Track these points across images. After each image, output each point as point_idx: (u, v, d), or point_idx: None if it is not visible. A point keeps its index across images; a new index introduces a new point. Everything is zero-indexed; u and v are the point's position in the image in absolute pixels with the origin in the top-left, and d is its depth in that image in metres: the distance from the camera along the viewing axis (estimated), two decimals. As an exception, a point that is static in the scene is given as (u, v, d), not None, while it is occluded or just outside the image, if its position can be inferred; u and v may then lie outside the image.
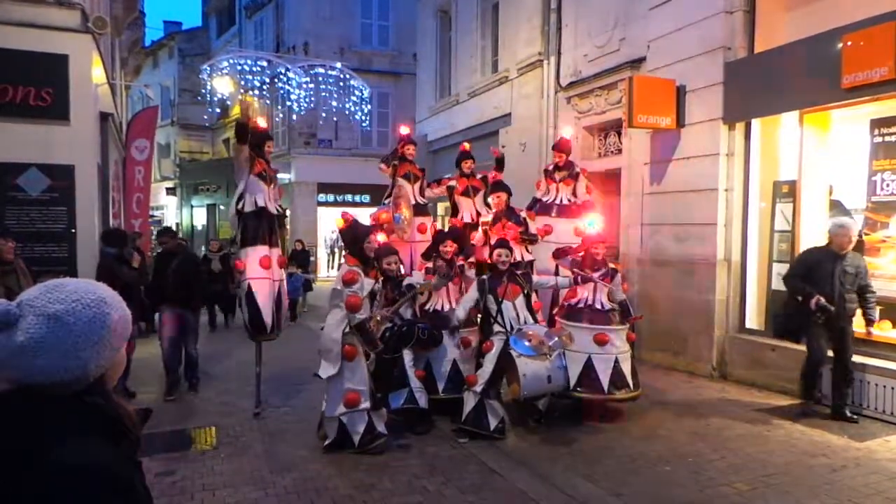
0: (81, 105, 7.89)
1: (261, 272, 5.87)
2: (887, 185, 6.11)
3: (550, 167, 7.01)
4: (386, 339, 5.13)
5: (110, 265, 6.37)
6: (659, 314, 8.10)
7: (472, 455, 4.92)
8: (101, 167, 9.13)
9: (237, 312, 10.64)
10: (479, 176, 7.05)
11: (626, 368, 5.71)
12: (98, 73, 8.64)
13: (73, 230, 7.83)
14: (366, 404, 4.90)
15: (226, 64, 16.64)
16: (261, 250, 5.91)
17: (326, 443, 4.99)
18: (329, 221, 20.19)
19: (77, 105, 7.83)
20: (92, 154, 8.22)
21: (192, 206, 28.27)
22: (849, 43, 5.89)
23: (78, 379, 1.17)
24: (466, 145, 7.50)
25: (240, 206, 5.92)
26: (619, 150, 9.29)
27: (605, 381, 5.54)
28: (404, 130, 7.04)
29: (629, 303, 5.97)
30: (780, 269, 7.09)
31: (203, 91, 17.05)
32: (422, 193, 6.85)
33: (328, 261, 21.82)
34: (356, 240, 5.04)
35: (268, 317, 5.92)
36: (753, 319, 7.38)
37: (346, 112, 16.19)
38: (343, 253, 5.08)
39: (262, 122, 6.54)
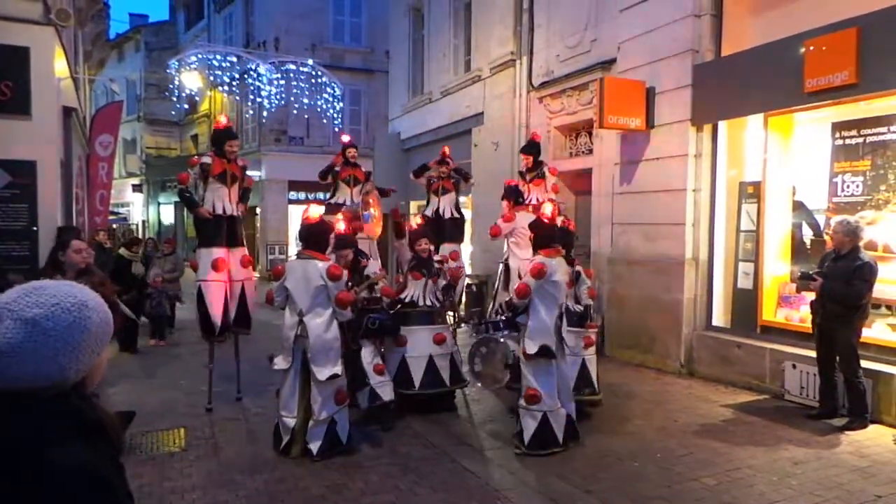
0: (43, 99, 7.64)
1: (213, 275, 5.95)
2: (847, 187, 6.30)
3: (523, 169, 7.46)
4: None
5: (54, 260, 6.27)
6: (628, 312, 8.23)
7: (445, 454, 4.94)
8: (65, 163, 8.88)
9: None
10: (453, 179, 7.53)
11: (593, 370, 5.89)
12: (61, 67, 8.39)
13: (35, 228, 7.60)
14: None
15: (195, 58, 16.38)
16: (216, 252, 5.97)
17: (317, 450, 4.73)
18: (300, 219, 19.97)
19: (39, 99, 7.58)
20: (55, 149, 7.98)
21: (158, 203, 27.73)
22: (811, 48, 6.06)
23: (56, 384, 1.15)
24: (447, 149, 7.81)
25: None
26: (591, 151, 9.40)
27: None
28: (345, 139, 7.73)
29: (592, 307, 6.07)
30: (746, 267, 7.27)
31: (171, 86, 16.75)
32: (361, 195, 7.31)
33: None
34: (325, 234, 5.03)
35: (216, 318, 5.99)
36: (720, 317, 7.54)
37: (318, 109, 16.06)
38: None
39: (222, 120, 6.56)
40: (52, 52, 7.81)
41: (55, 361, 1.14)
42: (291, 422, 4.83)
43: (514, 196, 7.27)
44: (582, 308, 5.85)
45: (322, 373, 4.71)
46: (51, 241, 7.47)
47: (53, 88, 7.88)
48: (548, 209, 5.14)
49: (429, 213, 7.36)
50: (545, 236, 4.99)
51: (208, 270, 5.95)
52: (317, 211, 5.13)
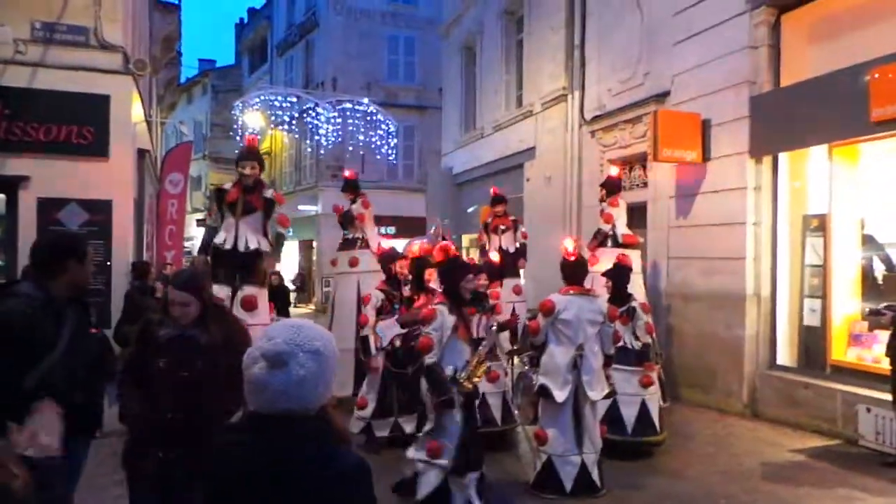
0: (120, 142, 8.20)
1: None
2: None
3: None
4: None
5: (131, 294, 6.82)
6: (687, 350, 7.97)
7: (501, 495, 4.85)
8: (137, 201, 9.43)
9: None
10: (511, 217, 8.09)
11: (654, 410, 5.69)
12: (137, 112, 8.99)
13: (109, 262, 8.06)
14: (444, 461, 4.15)
15: (258, 99, 17.20)
16: (216, 290, 5.04)
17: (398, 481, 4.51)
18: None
19: (116, 142, 8.14)
20: (129, 189, 8.51)
21: (221, 237, 28.80)
22: (877, 76, 5.87)
23: (322, 403, 1.47)
24: (496, 188, 8.41)
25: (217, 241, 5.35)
26: (645, 184, 9.28)
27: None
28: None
29: (653, 345, 5.92)
30: (812, 304, 6.96)
31: (235, 126, 17.60)
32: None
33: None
34: (454, 276, 4.46)
35: None
36: (786, 356, 7.21)
37: (373, 146, 16.51)
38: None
39: (246, 138, 6.13)
40: (130, 98, 8.40)
41: (329, 383, 1.47)
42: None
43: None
44: (640, 345, 5.71)
45: (598, 395, 4.70)
46: (124, 275, 7.92)
47: (129, 132, 8.44)
48: (569, 244, 5.05)
49: (493, 253, 7.49)
50: (566, 273, 4.91)
51: None
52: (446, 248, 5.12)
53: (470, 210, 14.22)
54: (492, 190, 8.30)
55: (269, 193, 5.49)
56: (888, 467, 5.30)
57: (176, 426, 2.78)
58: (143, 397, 2.87)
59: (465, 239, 15.22)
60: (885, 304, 5.35)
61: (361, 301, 6.47)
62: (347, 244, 7.66)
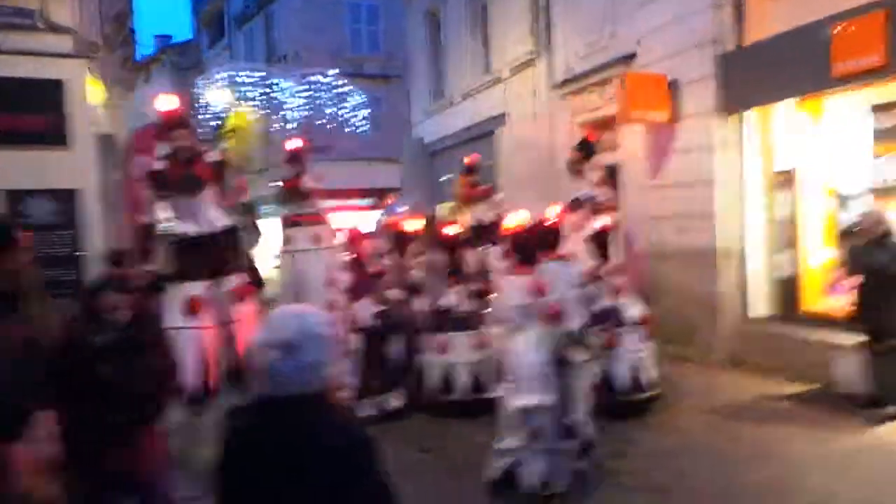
0: (79, 128, 7.91)
1: (180, 320, 4.26)
2: (888, 171, 6.15)
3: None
4: None
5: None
6: (666, 306, 8.14)
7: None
8: (103, 187, 9.18)
9: None
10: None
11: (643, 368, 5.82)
12: (93, 95, 8.68)
13: (78, 252, 7.88)
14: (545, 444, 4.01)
15: (223, 75, 16.69)
16: (189, 289, 4.34)
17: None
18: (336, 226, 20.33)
19: (75, 129, 7.85)
20: (93, 176, 8.26)
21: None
22: (838, 31, 5.95)
23: (328, 383, 1.58)
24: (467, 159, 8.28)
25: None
26: (617, 146, 9.33)
27: None
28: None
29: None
30: (783, 256, 7.15)
31: (197, 105, 17.12)
32: None
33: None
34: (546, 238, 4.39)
35: (192, 382, 4.18)
36: (760, 307, 7.43)
37: (342, 118, 16.24)
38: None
39: (163, 104, 4.78)
40: (84, 82, 8.08)
41: (332, 364, 1.57)
42: None
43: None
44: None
45: (524, 399, 4.17)
46: (96, 263, 7.75)
47: (88, 117, 8.15)
48: (552, 212, 5.08)
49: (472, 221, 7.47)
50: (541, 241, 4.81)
51: (175, 315, 4.27)
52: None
53: (442, 179, 14.16)
54: (465, 160, 8.23)
55: (213, 156, 4.70)
56: (861, 408, 5.54)
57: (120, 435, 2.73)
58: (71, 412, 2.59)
59: (444, 208, 15.20)
60: (855, 218, 5.56)
61: (330, 280, 6.14)
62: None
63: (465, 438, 5.41)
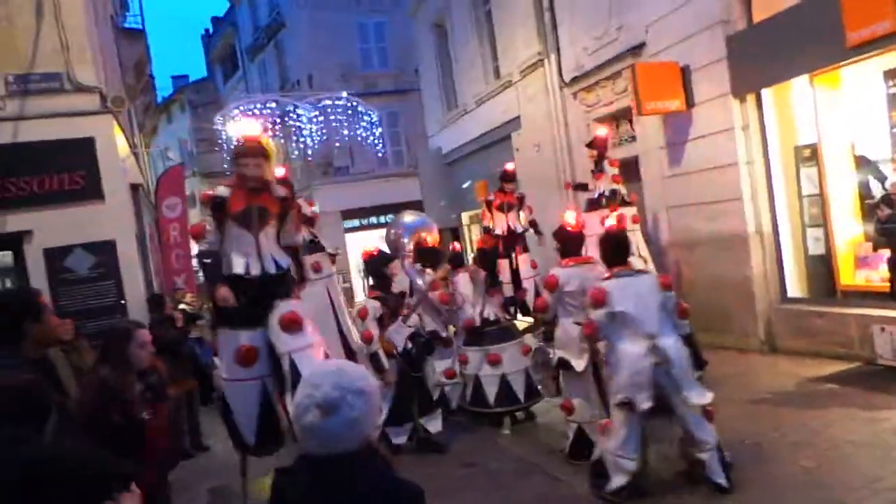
0: (112, 181, 8.24)
1: (236, 371, 4.12)
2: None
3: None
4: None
5: (151, 329, 6.78)
6: (698, 295, 8.06)
7: (535, 465, 5.02)
8: (139, 235, 9.52)
9: None
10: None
11: None
12: (122, 147, 9.02)
13: (123, 301, 8.18)
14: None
15: (237, 111, 17.09)
16: (241, 338, 4.09)
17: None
18: (357, 247, 20.51)
19: (108, 182, 8.18)
20: (129, 225, 8.59)
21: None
22: (848, 0, 5.85)
23: (371, 438, 1.59)
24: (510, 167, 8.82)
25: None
26: (633, 138, 9.30)
27: None
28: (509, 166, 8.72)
29: None
30: (815, 233, 7.03)
31: (219, 140, 17.54)
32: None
33: (363, 286, 22.01)
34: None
35: (248, 430, 4.15)
36: (796, 288, 7.31)
37: (359, 139, 16.46)
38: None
39: (241, 128, 4.43)
40: (113, 136, 8.42)
41: (375, 420, 1.58)
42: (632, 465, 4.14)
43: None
44: None
45: (703, 397, 4.18)
46: (140, 311, 8.05)
47: (119, 170, 8.48)
48: (570, 217, 5.12)
49: (499, 231, 7.81)
50: (563, 245, 5.01)
51: (231, 364, 4.13)
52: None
53: (465, 186, 14.23)
54: (507, 166, 8.72)
55: (280, 192, 4.24)
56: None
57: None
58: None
59: (465, 216, 15.29)
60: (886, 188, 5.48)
61: (338, 310, 5.36)
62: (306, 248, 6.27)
63: (506, 450, 5.47)
